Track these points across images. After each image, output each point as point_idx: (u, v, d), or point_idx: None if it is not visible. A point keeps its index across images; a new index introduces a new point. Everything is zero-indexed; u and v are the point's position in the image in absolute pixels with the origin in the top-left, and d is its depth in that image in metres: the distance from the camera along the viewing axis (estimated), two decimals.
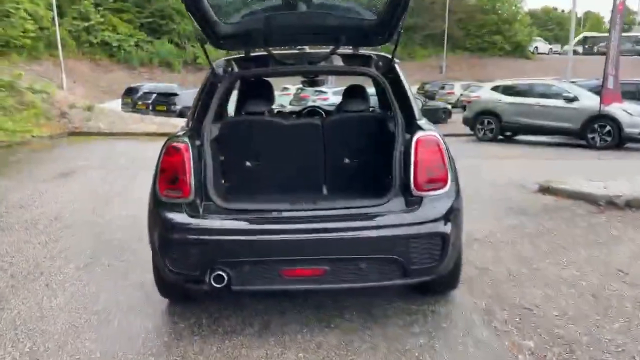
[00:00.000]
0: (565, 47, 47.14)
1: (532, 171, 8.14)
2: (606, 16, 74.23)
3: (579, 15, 75.62)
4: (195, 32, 3.11)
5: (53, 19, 26.54)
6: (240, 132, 3.39)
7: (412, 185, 2.78)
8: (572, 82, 16.09)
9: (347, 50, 3.42)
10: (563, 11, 78.58)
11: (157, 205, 2.82)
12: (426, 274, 2.75)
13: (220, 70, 3.29)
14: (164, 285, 3.07)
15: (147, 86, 23.06)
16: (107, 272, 3.92)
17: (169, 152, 2.83)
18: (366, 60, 3.35)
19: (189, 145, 2.82)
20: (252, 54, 3.39)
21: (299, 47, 3.55)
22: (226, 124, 3.35)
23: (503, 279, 3.67)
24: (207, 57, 3.15)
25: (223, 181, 3.32)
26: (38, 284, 3.71)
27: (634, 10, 65.57)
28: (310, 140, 3.39)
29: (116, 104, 22.24)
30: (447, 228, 2.71)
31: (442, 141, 2.85)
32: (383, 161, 3.12)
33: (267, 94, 3.78)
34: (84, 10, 32.92)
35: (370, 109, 3.76)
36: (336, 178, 3.45)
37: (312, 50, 3.55)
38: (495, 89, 14.19)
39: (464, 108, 20.48)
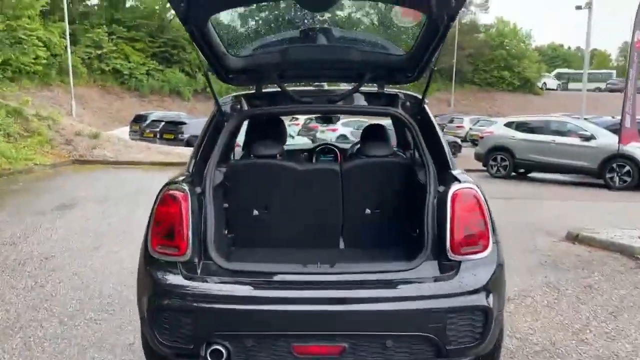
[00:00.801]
0: (572, 85, 47.54)
1: (555, 213, 7.71)
2: (612, 53, 74.82)
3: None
4: (202, 65, 2.77)
5: (66, 46, 26.79)
6: (248, 177, 3.01)
7: (447, 247, 2.37)
8: (586, 119, 15.80)
9: (371, 88, 3.07)
10: (569, 48, 79.33)
11: (149, 263, 2.42)
12: (464, 354, 2.31)
13: (227, 108, 2.94)
14: (152, 356, 2.64)
15: (155, 114, 22.99)
16: (94, 328, 3.49)
17: (165, 202, 2.44)
18: (392, 99, 3.00)
19: (189, 193, 2.44)
20: (264, 90, 3.04)
21: (317, 83, 3.21)
22: (232, 168, 2.98)
23: (548, 354, 3.19)
24: (214, 92, 2.81)
25: (226, 232, 2.93)
26: (15, 341, 3.28)
27: None
28: (327, 187, 3.01)
29: (124, 132, 22.14)
30: (490, 300, 2.28)
31: (482, 195, 2.45)
32: (410, 214, 2.71)
33: (278, 134, 3.42)
34: (98, 38, 33.37)
35: (393, 150, 3.37)
36: (356, 231, 3.05)
37: (331, 88, 3.21)
38: (508, 124, 13.89)
39: (473, 142, 20.07)
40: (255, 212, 3.04)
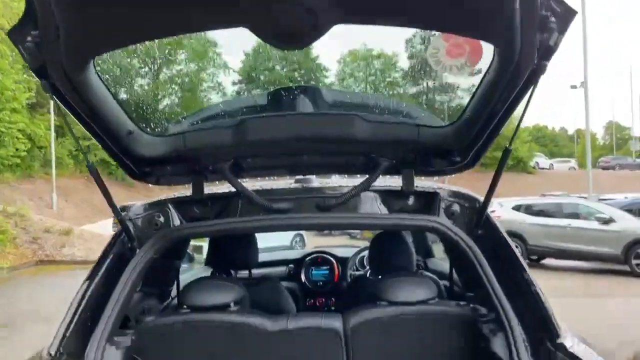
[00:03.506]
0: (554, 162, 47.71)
1: (596, 316, 6.35)
2: (598, 132, 76.79)
3: (570, 133, 78.20)
4: (80, 151, 1.61)
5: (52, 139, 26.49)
6: (177, 348, 1.72)
7: None
8: (602, 199, 14.99)
9: (391, 184, 1.89)
10: (553, 129, 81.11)
11: None
12: None
13: (138, 225, 1.74)
14: None
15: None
16: None
17: None
18: (429, 201, 1.80)
19: None
20: (208, 193, 1.84)
21: (299, 177, 2.00)
22: (144, 334, 1.70)
23: None
24: (109, 197, 1.62)
25: None
26: None
27: (626, 126, 67.84)
28: (327, 356, 1.72)
29: (108, 224, 20.84)
30: None
31: None
32: None
33: (240, 258, 2.19)
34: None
35: (434, 286, 1.99)
36: None
37: (323, 184, 2.00)
38: (517, 208, 12.93)
39: None
40: None
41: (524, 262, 1.65)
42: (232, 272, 2.50)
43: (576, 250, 11.42)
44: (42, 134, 26.12)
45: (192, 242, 3.51)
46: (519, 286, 1.57)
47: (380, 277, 2.32)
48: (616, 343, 5.13)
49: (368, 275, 3.20)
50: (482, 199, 1.78)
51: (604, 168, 44.54)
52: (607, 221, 11.16)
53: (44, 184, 28.20)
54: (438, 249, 3.74)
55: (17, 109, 23.41)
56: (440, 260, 3.56)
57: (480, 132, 1.56)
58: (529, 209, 12.70)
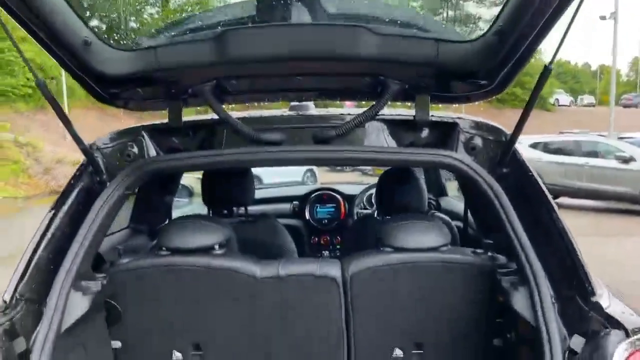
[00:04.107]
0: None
1: (612, 257, 6.18)
2: (622, 69, 73.84)
3: (593, 69, 75.28)
4: (30, 69, 1.40)
5: None
6: (156, 293, 1.56)
7: None
8: (621, 138, 14.46)
9: (403, 112, 1.63)
10: (576, 64, 77.96)
11: None
12: None
13: (108, 155, 1.53)
14: None
15: None
16: None
17: None
18: (448, 133, 1.56)
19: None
20: (187, 119, 1.61)
21: (294, 104, 1.74)
22: (118, 278, 1.54)
23: None
24: (69, 125, 1.41)
25: None
26: None
27: None
28: (317, 310, 1.55)
29: None
30: None
31: None
32: None
33: (235, 194, 2.00)
34: None
35: (447, 233, 1.74)
36: None
37: (322, 112, 1.74)
38: (534, 145, 12.53)
39: None
40: (178, 356, 1.58)
41: (556, 208, 1.41)
42: (231, 209, 2.33)
43: (593, 190, 11.12)
44: (53, 63, 25.70)
45: (192, 175, 3.33)
46: (548, 235, 1.36)
47: (388, 217, 2.12)
48: (629, 283, 4.99)
49: (375, 214, 3.01)
50: (508, 131, 1.52)
51: (626, 106, 43.17)
52: (627, 160, 10.74)
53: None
54: (452, 186, 3.52)
55: (25, 38, 22.90)
56: (455, 198, 3.35)
57: (512, 49, 1.28)
58: (546, 147, 12.31)
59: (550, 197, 1.44)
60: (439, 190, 3.28)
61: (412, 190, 1.99)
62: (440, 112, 1.61)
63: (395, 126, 1.61)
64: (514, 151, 1.49)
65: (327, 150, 1.51)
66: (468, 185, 1.64)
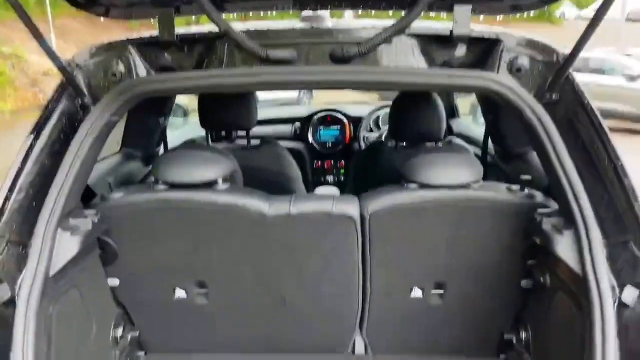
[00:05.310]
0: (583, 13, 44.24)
1: None
2: None
3: None
4: None
5: None
6: (156, 228, 1.43)
7: None
8: (629, 55, 13.91)
9: (439, 28, 1.42)
10: None
11: None
12: None
13: (91, 74, 1.34)
14: None
15: None
16: None
17: None
18: (488, 51, 1.35)
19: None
20: (180, 33, 1.39)
21: (307, 14, 1.50)
22: (112, 215, 1.40)
23: None
24: (41, 40, 1.21)
25: (122, 329, 1.42)
26: None
27: None
28: (333, 249, 1.44)
29: None
30: None
31: None
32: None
33: (238, 121, 1.83)
34: None
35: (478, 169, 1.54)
36: (390, 329, 1.51)
37: (342, 24, 1.51)
38: None
39: None
40: (181, 294, 1.49)
41: (615, 143, 1.25)
42: (230, 133, 2.15)
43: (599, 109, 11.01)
44: None
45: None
46: (601, 174, 1.20)
47: (402, 144, 1.95)
48: None
49: (384, 138, 2.85)
50: (562, 51, 1.32)
51: (635, 20, 41.72)
52: (634, 78, 10.49)
53: (43, 25, 26.78)
54: (462, 105, 3.31)
55: None
56: (466, 119, 3.17)
57: None
58: None
59: (608, 132, 1.27)
60: (451, 111, 3.10)
61: (433, 117, 1.81)
62: (478, 26, 1.39)
63: (428, 42, 1.39)
64: (569, 75, 1.30)
65: (347, 72, 1.30)
66: (514, 115, 1.41)
